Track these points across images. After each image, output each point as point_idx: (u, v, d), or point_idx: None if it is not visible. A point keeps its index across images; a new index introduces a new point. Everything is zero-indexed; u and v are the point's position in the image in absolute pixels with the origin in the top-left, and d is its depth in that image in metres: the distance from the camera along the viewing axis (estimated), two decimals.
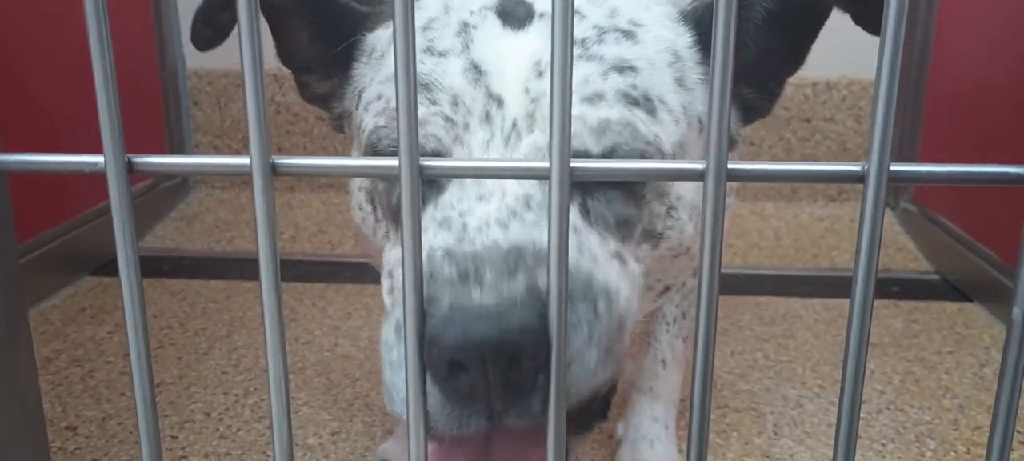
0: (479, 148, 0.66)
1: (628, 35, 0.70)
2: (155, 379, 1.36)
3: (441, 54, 0.68)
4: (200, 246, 2.00)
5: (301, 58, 0.85)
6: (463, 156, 0.66)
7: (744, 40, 0.76)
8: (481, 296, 0.56)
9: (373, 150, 0.72)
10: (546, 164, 0.39)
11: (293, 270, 1.81)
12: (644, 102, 0.68)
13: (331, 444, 1.18)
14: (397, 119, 0.39)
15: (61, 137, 1.69)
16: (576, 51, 0.67)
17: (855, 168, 0.40)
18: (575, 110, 0.64)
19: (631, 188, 0.69)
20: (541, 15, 0.70)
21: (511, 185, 0.64)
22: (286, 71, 0.87)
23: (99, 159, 0.41)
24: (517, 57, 0.68)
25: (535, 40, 0.69)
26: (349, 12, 0.80)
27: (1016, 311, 0.42)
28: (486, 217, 0.62)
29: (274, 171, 0.41)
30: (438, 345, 0.54)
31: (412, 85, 0.38)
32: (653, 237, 0.72)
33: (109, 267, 1.79)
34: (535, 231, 0.60)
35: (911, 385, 1.34)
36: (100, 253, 1.79)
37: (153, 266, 1.83)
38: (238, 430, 1.21)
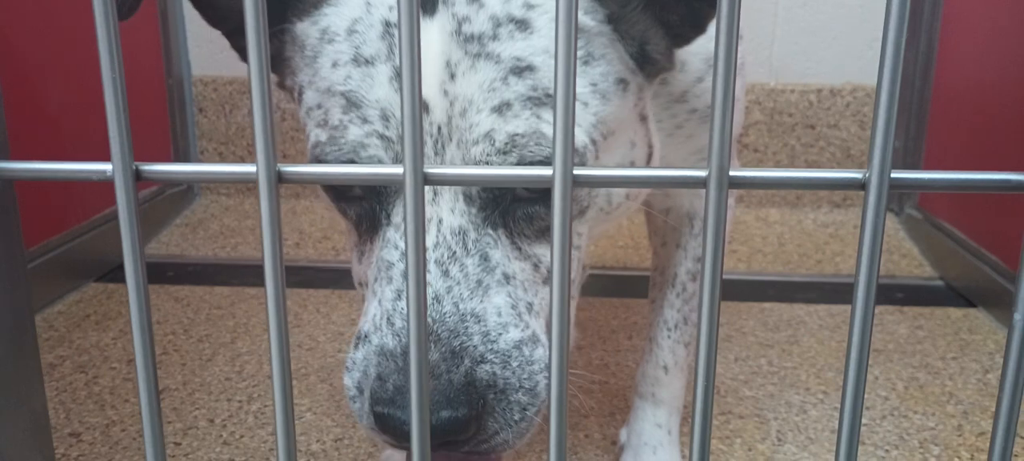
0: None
1: (521, 25, 0.69)
2: (159, 385, 1.37)
3: (368, 62, 0.69)
4: (205, 252, 2.00)
5: (234, 22, 0.83)
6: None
7: None
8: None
9: (317, 162, 0.72)
10: (549, 171, 0.39)
11: (297, 276, 1.81)
12: (548, 99, 0.68)
13: (334, 451, 1.18)
14: (402, 127, 0.40)
15: (66, 144, 1.70)
16: (474, 48, 0.67)
17: (856, 175, 0.40)
18: (486, 124, 0.67)
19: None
20: (443, 2, 0.69)
21: (446, 216, 0.68)
22: None
23: (107, 167, 0.42)
24: (431, 53, 0.68)
25: (441, 31, 0.68)
26: None
27: (1017, 316, 0.42)
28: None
29: (280, 179, 0.42)
30: (384, 429, 0.65)
31: (416, 97, 0.39)
32: (579, 214, 0.76)
33: (114, 273, 1.80)
34: (474, 302, 0.68)
35: (915, 391, 1.34)
36: (105, 259, 1.80)
37: (158, 272, 1.84)
38: (241, 436, 1.21)
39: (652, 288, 1.12)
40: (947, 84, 1.97)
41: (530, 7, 0.70)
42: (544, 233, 0.73)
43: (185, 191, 2.27)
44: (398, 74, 0.67)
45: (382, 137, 0.68)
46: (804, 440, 1.21)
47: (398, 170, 0.41)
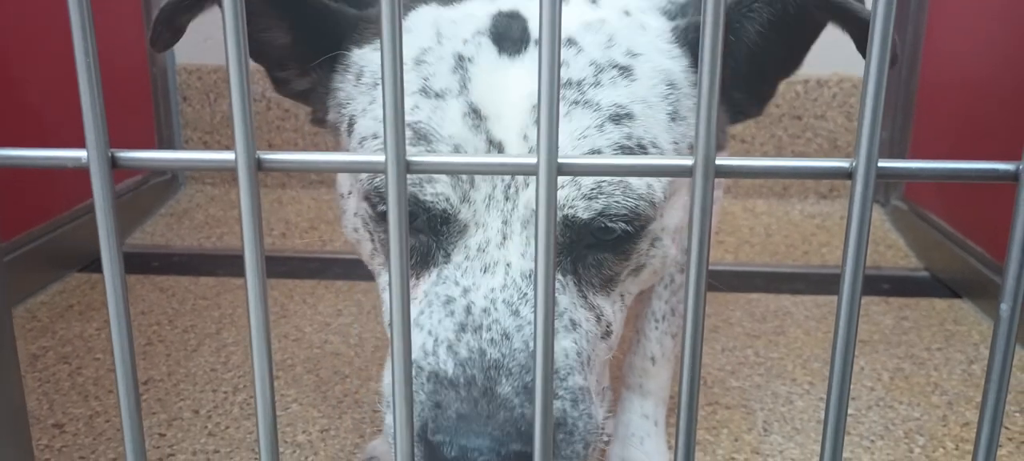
0: (482, 204, 0.66)
1: (625, 72, 0.68)
2: (143, 376, 1.36)
3: (438, 95, 0.66)
4: (190, 242, 1.99)
5: (275, 56, 0.82)
6: (469, 219, 0.66)
7: (740, 42, 0.75)
8: (482, 414, 0.61)
9: (376, 196, 0.71)
10: (533, 159, 0.39)
11: (283, 266, 1.80)
12: (639, 150, 0.67)
13: (320, 441, 1.18)
14: (383, 115, 0.39)
15: (50, 134, 1.68)
16: (572, 94, 0.66)
17: (843, 164, 0.40)
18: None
19: (623, 246, 0.70)
20: (536, 41, 0.68)
21: (516, 260, 0.65)
22: None
23: (82, 154, 0.41)
24: (515, 96, 0.66)
25: (531, 73, 0.66)
26: (332, 16, 0.75)
27: (1003, 307, 0.42)
28: (491, 296, 0.64)
29: (259, 166, 0.41)
30: (437, 454, 0.60)
31: (399, 85, 0.38)
32: (637, 270, 0.74)
33: (97, 264, 1.77)
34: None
35: (900, 382, 1.35)
36: (88, 250, 1.78)
37: (142, 262, 1.82)
38: (227, 427, 1.20)
39: None
40: (933, 74, 1.97)
41: (634, 55, 0.69)
42: (608, 283, 0.72)
43: (170, 181, 2.25)
44: (471, 111, 0.65)
45: (455, 179, 0.66)
46: (790, 430, 1.21)
47: (380, 158, 0.40)
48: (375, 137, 0.71)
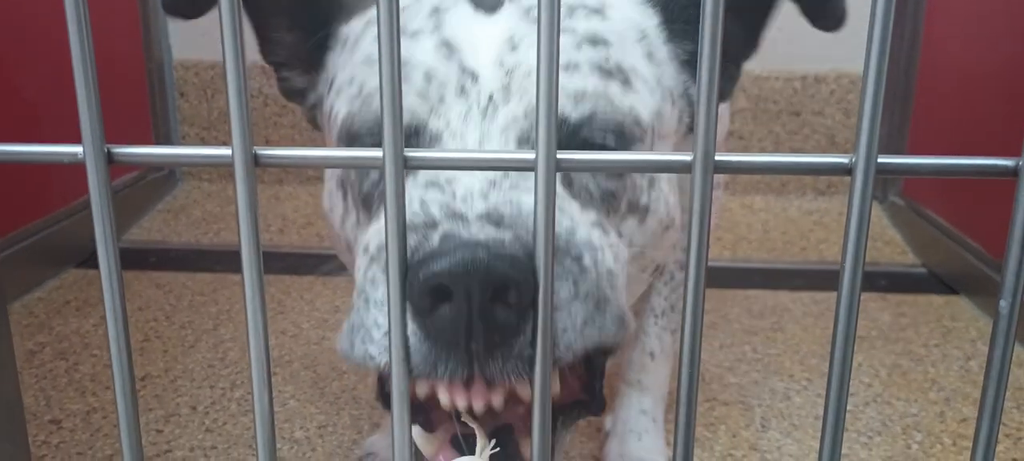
0: (457, 120, 0.65)
1: (596, 11, 0.71)
2: (141, 372, 1.36)
3: (412, 35, 0.69)
4: (187, 238, 1.98)
5: (282, 53, 0.84)
6: (440, 127, 0.66)
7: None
8: (470, 233, 0.56)
9: (347, 135, 0.72)
10: (532, 155, 0.39)
11: (281, 263, 1.80)
12: (618, 73, 0.69)
13: (318, 438, 1.17)
14: (381, 110, 0.39)
15: (46, 129, 1.68)
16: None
17: (842, 160, 0.40)
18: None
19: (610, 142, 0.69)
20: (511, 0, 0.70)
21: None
22: None
23: (78, 149, 0.41)
24: (489, 36, 0.68)
25: (507, 21, 0.69)
26: (326, 1, 0.79)
27: (1003, 304, 0.42)
28: (470, 187, 0.61)
29: (256, 162, 0.41)
30: (426, 269, 0.52)
31: (396, 73, 0.38)
32: (639, 210, 0.72)
33: (94, 259, 1.77)
34: (521, 194, 0.60)
35: (898, 378, 1.35)
36: (85, 245, 1.78)
37: (139, 258, 1.82)
38: (224, 423, 1.20)
39: None
40: (932, 69, 1.97)
41: (605, 3, 0.72)
42: (609, 199, 0.68)
43: (167, 176, 2.24)
44: (444, 44, 0.67)
45: (420, 93, 0.66)
46: (788, 426, 1.21)
47: (378, 153, 0.40)
48: (350, 83, 0.73)
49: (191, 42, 2.22)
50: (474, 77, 0.67)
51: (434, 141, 0.66)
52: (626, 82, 0.69)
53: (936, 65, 1.95)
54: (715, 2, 0.37)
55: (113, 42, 2.01)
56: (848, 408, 1.25)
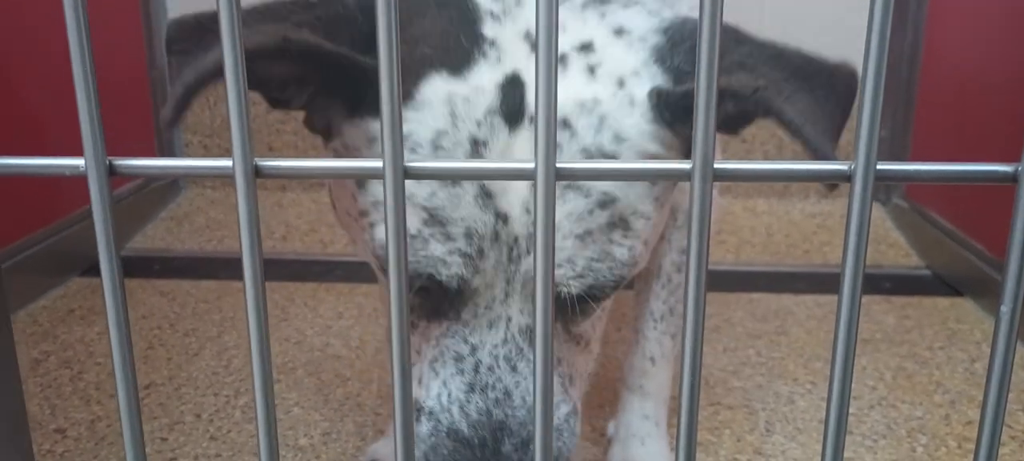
0: (491, 269, 0.70)
1: (611, 160, 0.70)
2: (145, 380, 1.36)
3: (456, 184, 0.68)
4: (190, 246, 1.99)
5: (277, 83, 0.76)
6: (479, 284, 0.71)
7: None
8: None
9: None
10: (531, 164, 0.39)
11: (284, 269, 1.80)
12: (620, 223, 0.71)
13: (322, 445, 1.18)
14: (381, 123, 0.39)
15: (51, 140, 1.68)
16: (563, 183, 0.68)
17: (842, 167, 0.40)
18: (569, 250, 0.69)
19: (607, 293, 0.75)
20: (531, 118, 0.68)
21: (515, 314, 0.72)
22: None
23: (79, 162, 0.41)
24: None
25: (529, 144, 0.68)
26: (353, 68, 0.70)
27: (1004, 308, 0.42)
28: (494, 352, 0.73)
29: (257, 173, 0.41)
30: None
31: (396, 87, 0.38)
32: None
33: (98, 268, 1.78)
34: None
35: (903, 381, 1.35)
36: (89, 254, 1.78)
37: (143, 266, 1.82)
38: (228, 431, 1.20)
39: (637, 280, 1.12)
40: (934, 74, 1.97)
41: (620, 141, 0.70)
42: (590, 315, 0.79)
43: (170, 185, 2.25)
44: (482, 192, 0.68)
45: (464, 254, 0.69)
46: (792, 430, 1.21)
47: (378, 163, 0.40)
48: (377, 204, 0.73)
49: None
50: (505, 220, 0.69)
51: (472, 296, 0.73)
52: (626, 227, 0.71)
53: (938, 69, 1.95)
54: (712, 19, 0.37)
55: (116, 51, 2.02)
56: (853, 411, 1.25)
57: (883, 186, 2.09)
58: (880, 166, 0.38)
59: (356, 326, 1.54)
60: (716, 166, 0.38)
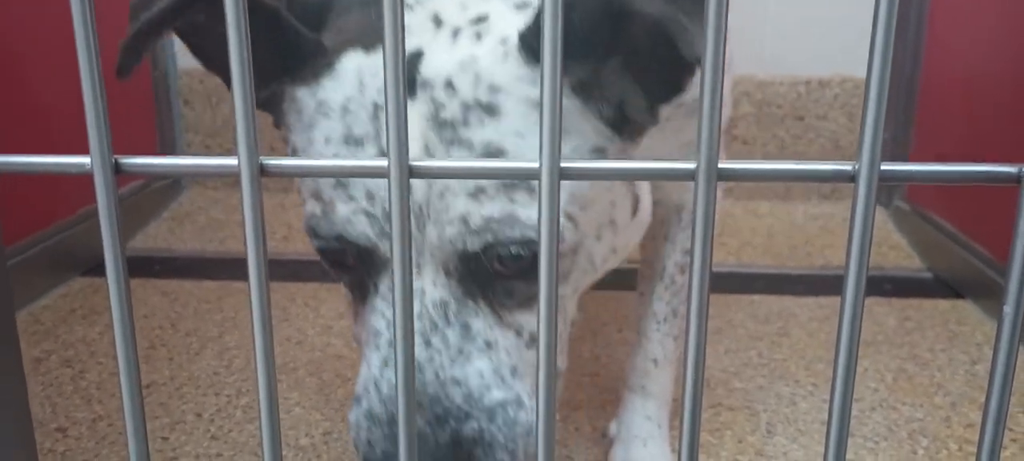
0: None
1: (490, 110, 0.69)
2: (146, 380, 1.36)
3: (357, 143, 0.71)
4: (192, 246, 1.99)
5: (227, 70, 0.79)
6: (387, 250, 0.70)
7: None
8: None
9: (311, 230, 0.75)
10: (535, 164, 0.39)
11: (286, 270, 1.80)
12: (523, 183, 0.69)
13: (323, 444, 1.18)
14: (387, 122, 0.39)
15: (56, 138, 1.68)
16: (448, 134, 0.69)
17: (846, 167, 0.40)
18: (461, 207, 0.68)
19: (531, 272, 0.72)
20: (422, 84, 0.70)
21: (429, 288, 0.71)
22: None
23: (86, 160, 0.41)
24: (413, 133, 0.69)
25: (420, 116, 0.69)
26: (293, 38, 0.74)
27: (1006, 309, 0.42)
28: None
29: (263, 172, 0.41)
30: None
31: (401, 88, 0.38)
32: (561, 279, 0.76)
33: (100, 268, 1.77)
34: (456, 368, 0.71)
35: (904, 383, 1.35)
36: (91, 254, 1.79)
37: (144, 266, 1.82)
38: (230, 431, 1.21)
39: (640, 281, 1.12)
40: (936, 75, 1.97)
41: (496, 91, 0.69)
42: (526, 302, 0.75)
43: (172, 184, 2.25)
44: (382, 154, 0.69)
45: (367, 214, 0.70)
46: (794, 432, 1.21)
47: (383, 163, 0.40)
48: (304, 182, 0.75)
49: None
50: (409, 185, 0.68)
51: (384, 267, 0.73)
52: (531, 188, 0.69)
53: (940, 70, 1.95)
54: (718, 17, 0.37)
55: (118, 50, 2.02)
56: (854, 413, 1.25)
57: (885, 188, 2.09)
58: (884, 166, 0.39)
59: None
60: (720, 166, 0.39)
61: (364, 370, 0.74)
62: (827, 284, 1.75)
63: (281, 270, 1.80)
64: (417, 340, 0.70)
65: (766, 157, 2.27)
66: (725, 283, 1.74)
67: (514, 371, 0.75)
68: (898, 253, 1.94)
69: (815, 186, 2.24)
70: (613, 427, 1.16)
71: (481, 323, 0.73)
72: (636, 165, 0.40)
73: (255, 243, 0.41)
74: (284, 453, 1.15)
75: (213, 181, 2.32)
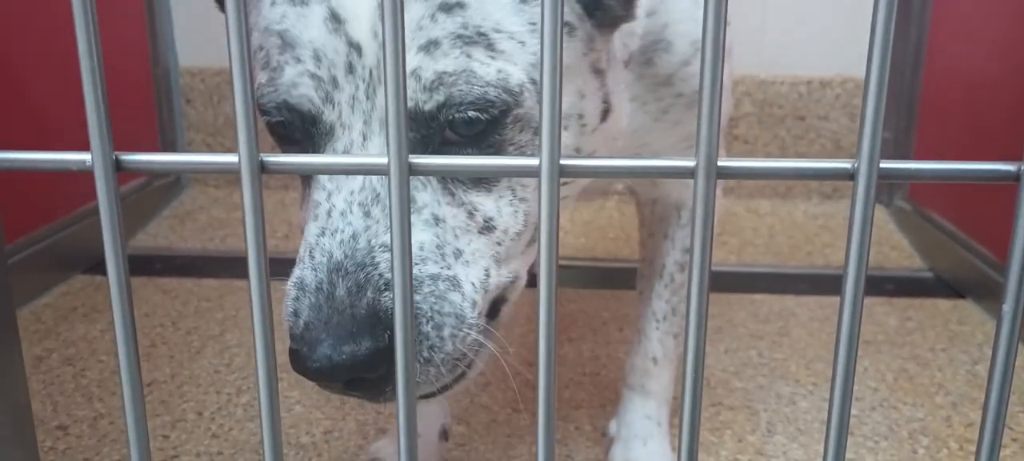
0: (346, 107, 0.67)
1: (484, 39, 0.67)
2: (147, 378, 1.36)
3: (303, 3, 0.67)
4: (193, 244, 1.99)
5: None
6: (333, 120, 0.67)
7: None
8: (322, 319, 0.66)
9: (260, 110, 0.71)
10: (535, 161, 0.39)
11: (286, 268, 1.80)
12: (480, 38, 0.66)
13: (324, 443, 1.18)
14: (387, 118, 0.39)
15: (55, 135, 1.69)
16: None
17: (845, 165, 0.40)
18: (411, 62, 0.65)
19: (487, 138, 0.69)
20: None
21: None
22: None
23: (86, 157, 0.41)
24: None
25: None
26: None
27: (1006, 308, 0.42)
28: (350, 199, 0.67)
29: (263, 169, 0.41)
30: (297, 366, 0.67)
31: (401, 86, 0.38)
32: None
33: (101, 266, 1.76)
34: (384, 234, 0.66)
35: (904, 382, 1.35)
36: (92, 252, 1.79)
37: (145, 264, 1.82)
38: (230, 429, 1.21)
39: (640, 280, 1.12)
40: (937, 75, 1.97)
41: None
42: (481, 182, 0.71)
43: (173, 182, 2.25)
44: (331, 15, 0.66)
45: (313, 76, 0.67)
46: (794, 431, 1.21)
47: (383, 160, 0.40)
48: (260, 49, 0.72)
49: (197, 49, 2.23)
50: (359, 50, 0.66)
51: (329, 136, 0.69)
52: (490, 46, 0.66)
53: (941, 69, 1.95)
54: (717, 5, 0.37)
55: (121, 49, 2.02)
56: (854, 413, 1.25)
57: (886, 188, 2.09)
58: (883, 164, 0.39)
59: None
60: (720, 164, 0.39)
61: (302, 246, 0.70)
62: (828, 283, 1.75)
63: (282, 268, 1.79)
64: (357, 210, 0.67)
65: (767, 157, 2.27)
66: (726, 282, 1.74)
67: (458, 254, 0.70)
68: (899, 253, 1.94)
69: (816, 185, 2.24)
70: (613, 426, 1.16)
71: (429, 196, 0.69)
72: (636, 163, 0.40)
73: (255, 240, 0.41)
74: (285, 451, 1.15)
75: (214, 180, 2.32)
